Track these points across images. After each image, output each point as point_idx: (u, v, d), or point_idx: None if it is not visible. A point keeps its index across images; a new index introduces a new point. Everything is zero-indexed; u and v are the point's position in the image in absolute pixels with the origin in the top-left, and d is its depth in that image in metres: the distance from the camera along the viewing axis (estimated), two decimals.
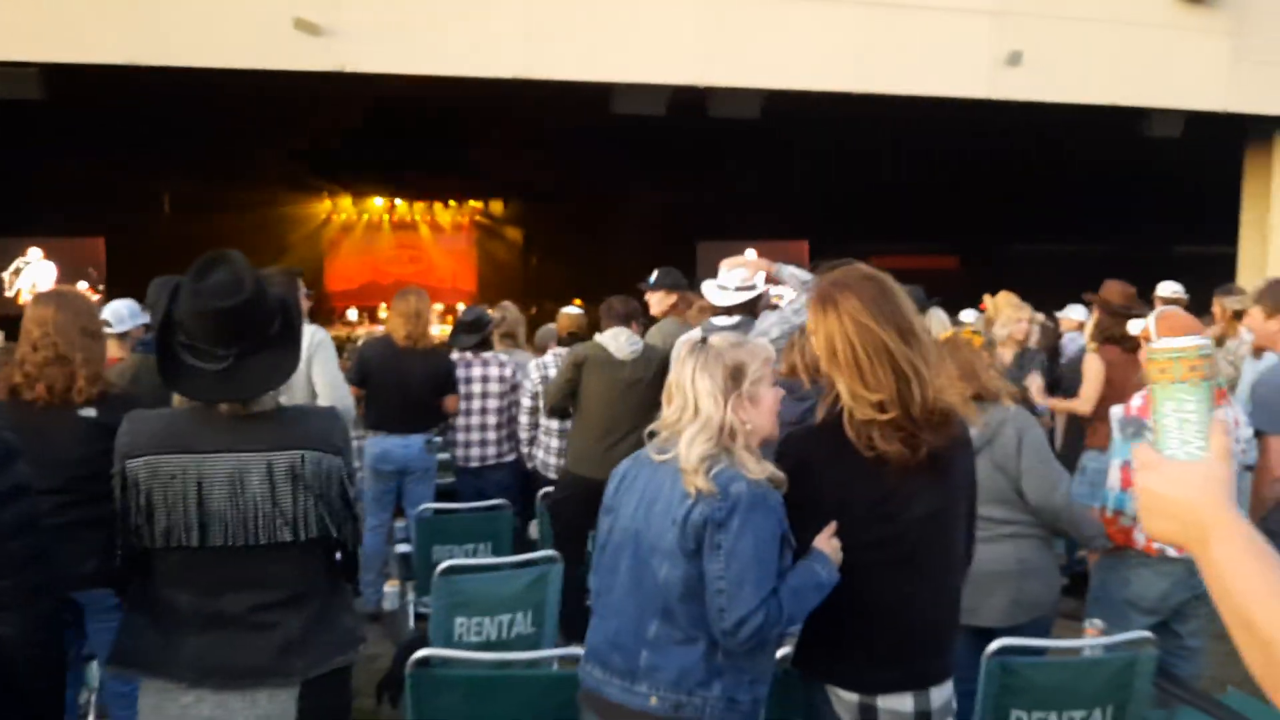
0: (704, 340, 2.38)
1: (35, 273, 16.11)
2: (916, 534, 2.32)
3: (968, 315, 7.16)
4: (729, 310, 4.50)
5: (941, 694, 2.35)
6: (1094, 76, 10.49)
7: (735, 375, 2.29)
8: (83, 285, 15.29)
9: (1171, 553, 3.65)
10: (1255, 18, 10.82)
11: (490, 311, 6.40)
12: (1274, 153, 11.73)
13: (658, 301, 5.80)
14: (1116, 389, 5.18)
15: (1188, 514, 1.09)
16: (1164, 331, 3.76)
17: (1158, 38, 10.63)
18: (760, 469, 2.26)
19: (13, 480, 1.92)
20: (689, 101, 10.05)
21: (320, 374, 4.53)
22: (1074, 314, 8.44)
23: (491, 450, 5.85)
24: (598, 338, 5.19)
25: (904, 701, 2.30)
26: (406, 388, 5.37)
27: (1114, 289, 5.59)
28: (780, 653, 2.84)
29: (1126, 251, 15.03)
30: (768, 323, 4.39)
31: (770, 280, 4.43)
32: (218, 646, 2.24)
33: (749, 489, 2.21)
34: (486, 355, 5.89)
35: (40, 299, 3.35)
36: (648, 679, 2.26)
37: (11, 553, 1.87)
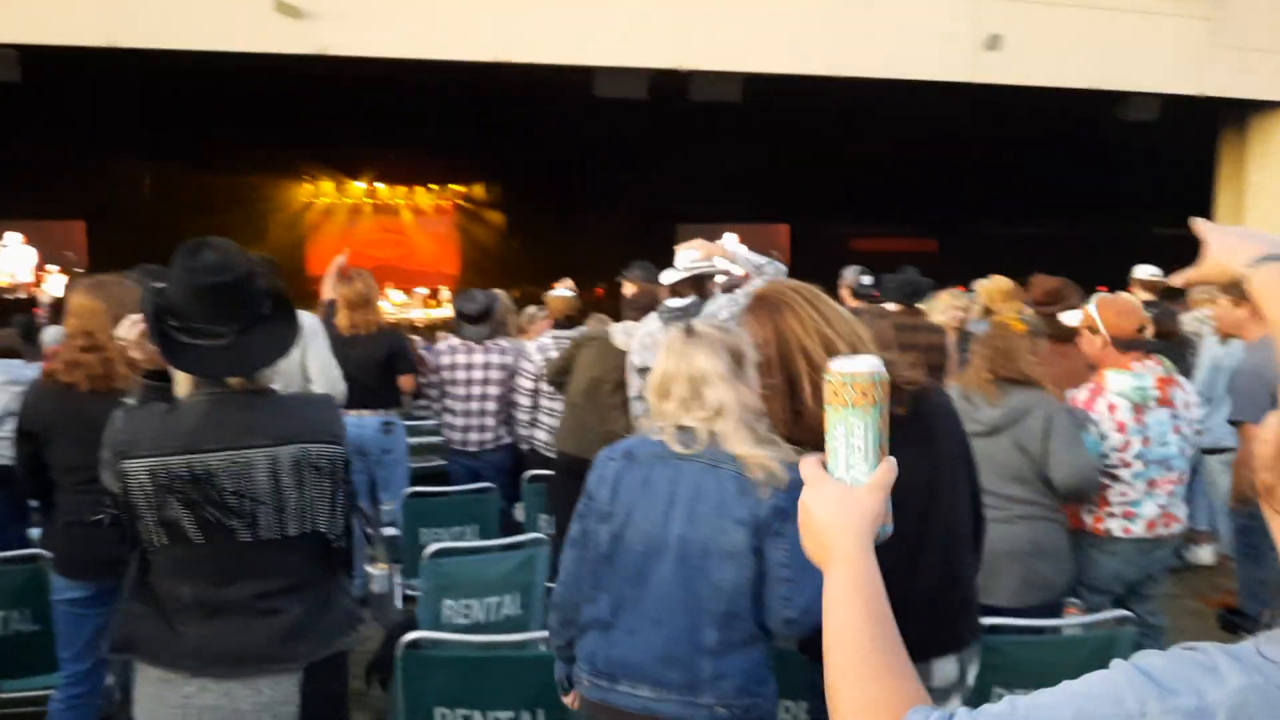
0: (690, 328, 2.31)
1: (14, 256, 15.96)
2: (905, 505, 2.34)
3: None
4: (678, 290, 4.58)
5: (945, 667, 2.34)
6: (1071, 60, 10.57)
7: (738, 359, 2.26)
8: (56, 270, 15.21)
9: (1118, 532, 3.76)
10: (1231, 2, 10.92)
11: (496, 292, 6.38)
12: (1249, 136, 11.87)
13: (628, 290, 5.87)
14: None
15: (824, 535, 1.15)
16: (1115, 316, 3.85)
17: (1134, 22, 10.72)
18: (791, 449, 2.23)
19: None
20: (670, 85, 10.07)
21: (313, 359, 4.56)
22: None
23: (489, 435, 5.90)
24: (609, 327, 5.29)
25: None
26: (357, 369, 5.30)
27: (1037, 284, 5.66)
28: None
29: (1105, 233, 15.18)
30: (717, 304, 4.48)
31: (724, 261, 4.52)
32: (221, 635, 2.25)
33: (798, 472, 2.19)
34: (488, 342, 5.91)
35: (79, 287, 3.41)
36: (712, 689, 2.15)
37: None
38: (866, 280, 6.76)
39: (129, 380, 3.16)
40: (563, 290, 6.75)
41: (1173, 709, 0.85)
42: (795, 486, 2.14)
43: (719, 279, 4.62)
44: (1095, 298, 4.04)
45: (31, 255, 16.14)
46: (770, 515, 2.14)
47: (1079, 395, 3.86)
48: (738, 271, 4.44)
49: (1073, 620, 3.42)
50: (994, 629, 3.05)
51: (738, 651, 2.17)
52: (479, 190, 20.73)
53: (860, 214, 16.07)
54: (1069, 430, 3.59)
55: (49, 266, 15.44)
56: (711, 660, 2.16)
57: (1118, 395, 3.77)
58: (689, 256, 4.51)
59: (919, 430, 2.31)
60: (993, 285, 6.51)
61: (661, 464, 2.24)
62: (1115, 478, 3.75)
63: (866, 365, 1.16)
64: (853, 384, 1.15)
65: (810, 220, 16.25)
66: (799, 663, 2.57)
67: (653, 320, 4.67)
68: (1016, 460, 3.55)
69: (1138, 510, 3.77)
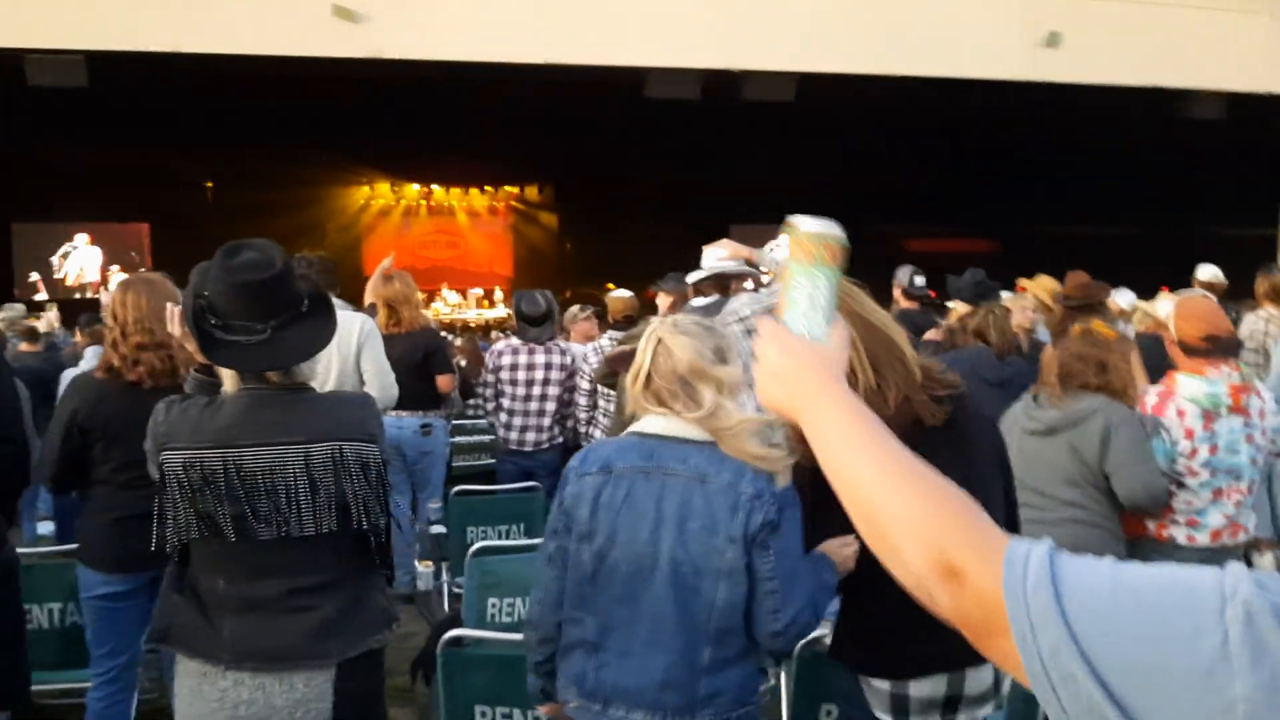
0: (676, 323, 2.25)
1: (82, 257, 16.42)
2: None
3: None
4: (701, 290, 4.56)
5: (981, 676, 2.29)
6: (1133, 57, 10.35)
7: (720, 358, 2.19)
8: (117, 269, 15.59)
9: (1181, 540, 3.66)
10: None
11: (546, 293, 6.40)
12: None
13: (663, 303, 5.88)
14: None
15: (796, 381, 1.09)
16: (1181, 320, 3.75)
17: (1198, 18, 10.47)
18: (783, 449, 2.18)
19: None
20: (723, 85, 10.04)
21: (368, 361, 4.61)
22: (1120, 299, 8.35)
23: (545, 435, 5.94)
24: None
25: (937, 685, 2.25)
26: (394, 369, 5.35)
27: (1069, 281, 5.54)
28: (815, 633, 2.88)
29: (1165, 234, 14.86)
30: (739, 302, 4.47)
31: (750, 264, 4.51)
32: (254, 630, 2.27)
33: (785, 485, 2.16)
34: (549, 343, 5.94)
35: (129, 285, 3.39)
36: (709, 707, 2.11)
37: None
38: (920, 281, 6.68)
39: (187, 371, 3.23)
40: (621, 291, 6.75)
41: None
42: (784, 499, 2.09)
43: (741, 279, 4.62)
44: (1174, 296, 3.93)
45: (97, 256, 16.58)
46: (760, 529, 2.09)
47: (1149, 399, 3.76)
48: (762, 272, 4.45)
49: None
50: None
51: (732, 666, 2.14)
52: (532, 192, 20.86)
53: (915, 214, 15.90)
54: (1135, 442, 3.48)
55: (114, 267, 15.86)
56: (707, 679, 2.12)
57: (1188, 400, 3.66)
58: (715, 256, 4.51)
59: (954, 436, 2.27)
60: (1039, 285, 6.39)
61: (644, 479, 2.15)
62: (1181, 485, 3.65)
63: (837, 228, 1.17)
64: (823, 243, 1.16)
65: (864, 221, 16.08)
66: (828, 665, 2.54)
67: (680, 314, 4.66)
68: (1069, 463, 3.48)
69: (1202, 519, 3.66)
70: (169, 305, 2.72)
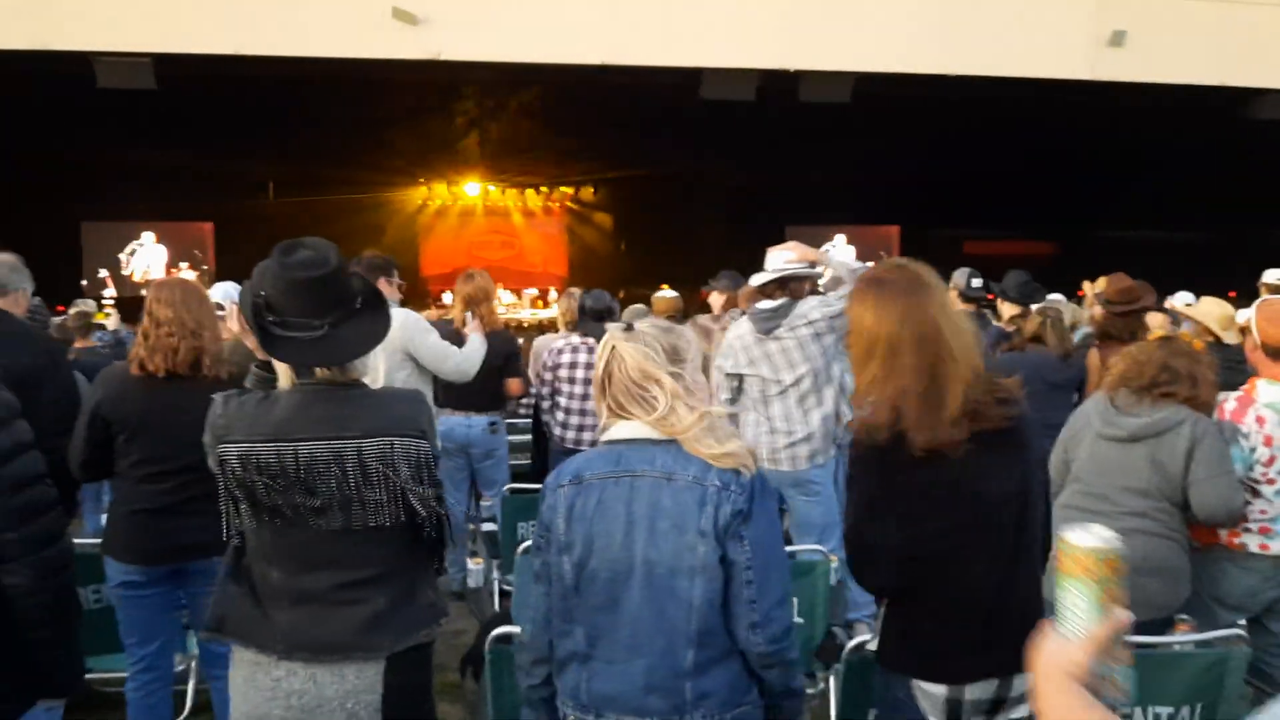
0: (629, 326, 2.23)
1: (148, 255, 16.82)
2: (996, 517, 2.26)
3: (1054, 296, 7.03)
4: (767, 292, 4.54)
5: (1023, 681, 2.25)
6: (1198, 56, 10.13)
7: (675, 359, 2.17)
8: (184, 267, 15.93)
9: (1254, 548, 3.57)
10: None
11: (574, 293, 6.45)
12: None
13: (715, 301, 5.86)
14: None
15: (1036, 686, 1.24)
16: (1265, 322, 3.65)
17: (1265, 15, 10.20)
18: (743, 447, 2.18)
19: (15, 438, 2.06)
20: (779, 85, 10.00)
21: (424, 350, 4.64)
22: (1180, 302, 8.20)
23: (601, 434, 5.95)
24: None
25: (988, 688, 2.24)
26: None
27: (1112, 283, 5.42)
28: (853, 641, 2.85)
29: (1229, 238, 14.52)
30: (808, 305, 4.46)
31: (817, 266, 4.51)
32: (307, 621, 2.31)
33: (758, 473, 2.15)
34: None
35: (162, 285, 3.47)
36: (699, 709, 2.10)
37: (16, 506, 2.01)
38: (976, 283, 6.60)
39: (212, 371, 3.27)
40: (666, 292, 6.76)
41: None
42: (754, 488, 2.08)
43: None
44: (1261, 300, 3.82)
45: (163, 254, 16.97)
46: (730, 519, 2.07)
47: (1227, 405, 3.68)
48: (824, 275, 4.45)
49: (1183, 637, 3.26)
50: None
51: (717, 666, 2.11)
52: (587, 192, 20.93)
53: (974, 216, 15.69)
54: (1217, 456, 3.40)
55: (183, 264, 16.24)
56: (692, 681, 2.10)
57: (1267, 407, 3.57)
58: (782, 258, 4.50)
59: (1015, 439, 2.26)
60: (1103, 283, 6.29)
61: (613, 484, 2.14)
62: (1256, 493, 3.57)
63: (1091, 540, 1.24)
64: (1095, 556, 1.23)
65: (922, 222, 15.96)
66: (867, 671, 2.51)
67: (742, 324, 4.64)
68: (1147, 474, 3.38)
69: (1275, 527, 3.58)
70: (228, 303, 2.78)
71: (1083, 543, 1.23)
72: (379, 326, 2.42)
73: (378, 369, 4.49)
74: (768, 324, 4.50)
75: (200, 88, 10.96)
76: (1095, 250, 14.45)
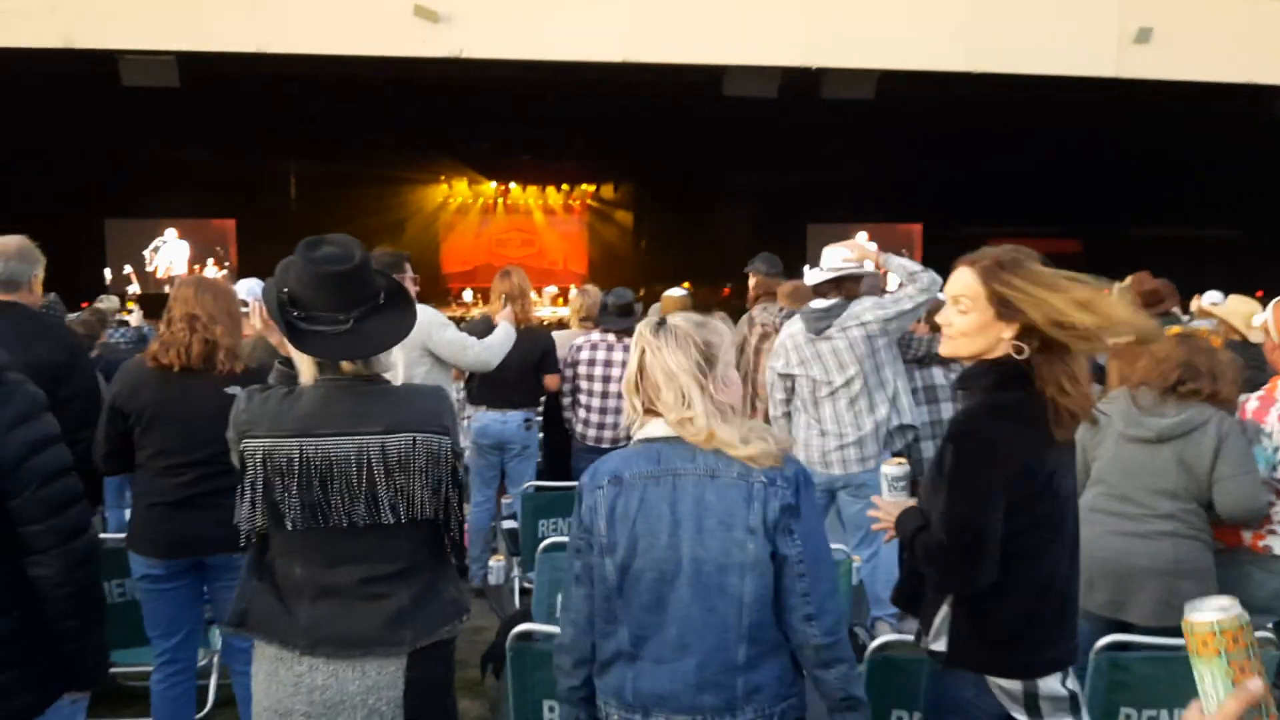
0: (662, 321, 2.21)
1: (171, 251, 16.95)
2: (1067, 510, 2.30)
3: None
4: (822, 291, 4.50)
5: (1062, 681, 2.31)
6: (1225, 53, 10.02)
7: (708, 358, 2.15)
8: (210, 263, 16.05)
9: (1279, 550, 3.53)
10: None
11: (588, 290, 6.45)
12: None
13: (751, 283, 5.84)
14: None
15: None
16: (1275, 318, 3.62)
17: None
18: (781, 438, 2.18)
19: (44, 430, 2.09)
20: (801, 83, 9.96)
21: (441, 344, 4.65)
22: (1209, 301, 8.10)
23: (623, 432, 5.94)
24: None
25: (1057, 681, 2.26)
26: (505, 365, 5.42)
27: (1136, 284, 5.35)
28: (877, 641, 2.83)
29: (1257, 236, 14.36)
30: (862, 306, 4.40)
31: (876, 267, 4.44)
32: (330, 616, 2.31)
33: (797, 464, 2.14)
34: (628, 340, 5.95)
35: (184, 282, 3.52)
36: (751, 703, 2.10)
37: (45, 498, 2.03)
38: None
39: (226, 365, 3.28)
40: (676, 290, 6.73)
41: None
42: (799, 482, 2.07)
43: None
44: (1274, 301, 3.78)
45: (186, 250, 17.10)
46: (780, 515, 2.07)
47: (1249, 405, 3.63)
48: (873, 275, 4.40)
49: None
50: (1125, 646, 2.90)
51: (767, 660, 2.11)
52: (608, 190, 20.95)
53: (997, 214, 15.58)
54: (1242, 454, 3.36)
55: (209, 260, 16.39)
56: (744, 676, 2.10)
57: None
58: (839, 255, 4.44)
59: (1072, 446, 2.32)
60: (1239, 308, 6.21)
61: (654, 483, 2.13)
62: (1279, 494, 3.53)
63: (1210, 615, 1.22)
64: (1198, 635, 1.23)
65: (944, 220, 15.87)
66: (909, 669, 2.49)
67: (795, 323, 4.60)
68: (1175, 475, 3.34)
69: None
70: (251, 300, 2.79)
71: (1203, 619, 1.21)
72: (405, 320, 2.43)
73: (397, 365, 4.50)
74: (819, 323, 4.45)
75: (223, 86, 11.02)
76: (1121, 248, 14.33)
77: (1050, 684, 2.26)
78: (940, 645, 2.33)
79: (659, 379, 2.14)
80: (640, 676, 2.15)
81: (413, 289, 5.10)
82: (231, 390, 2.76)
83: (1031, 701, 2.25)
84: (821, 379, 4.46)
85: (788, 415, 4.65)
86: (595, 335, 5.92)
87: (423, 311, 4.83)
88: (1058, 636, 2.30)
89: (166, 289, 15.36)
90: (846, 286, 4.47)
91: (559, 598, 3.78)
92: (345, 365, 2.35)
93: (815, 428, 4.51)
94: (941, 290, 3.89)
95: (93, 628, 2.19)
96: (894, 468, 2.56)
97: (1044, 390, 2.23)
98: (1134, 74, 10.13)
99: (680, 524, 2.10)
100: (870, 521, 4.53)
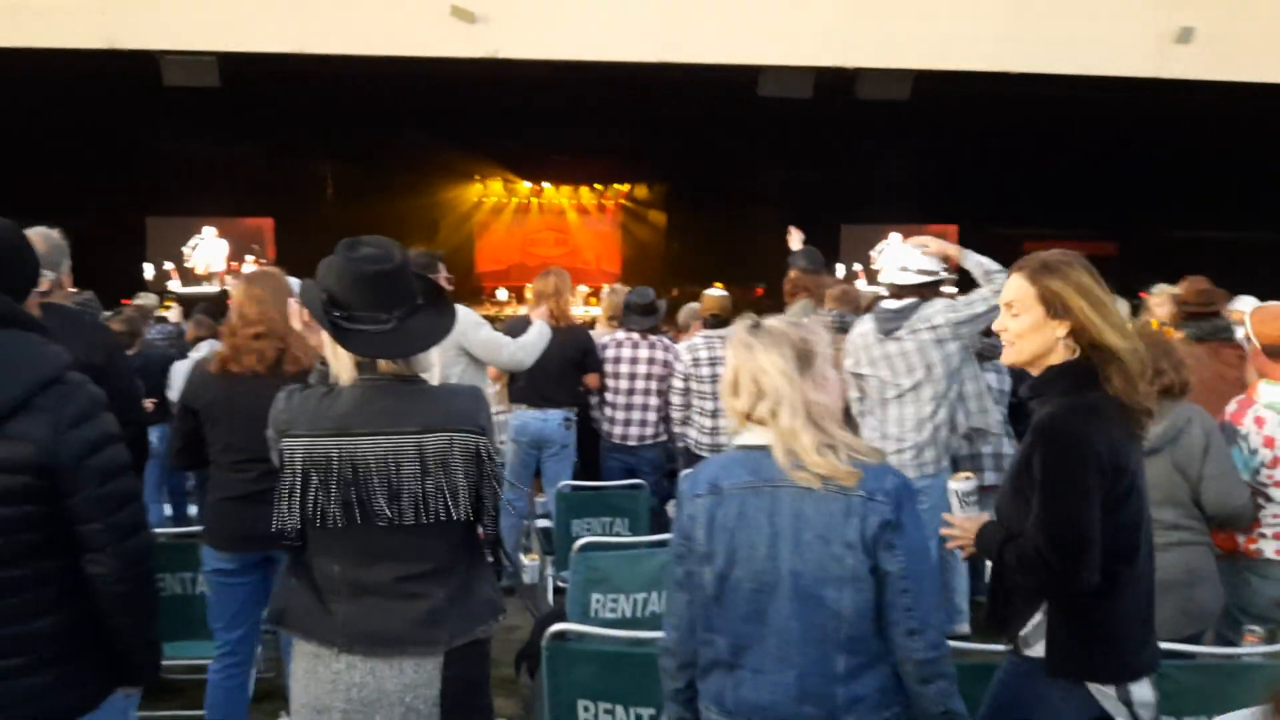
0: (757, 322, 2.21)
1: (209, 249, 17.15)
2: (1145, 508, 2.32)
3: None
4: (894, 291, 4.44)
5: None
6: (1268, 54, 9.87)
7: (804, 356, 2.14)
8: (250, 260, 16.23)
9: (1270, 554, 3.52)
10: None
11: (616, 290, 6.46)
12: None
13: (789, 278, 5.84)
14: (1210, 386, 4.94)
15: None
16: (1259, 324, 3.63)
17: None
18: (874, 449, 2.17)
19: (102, 429, 2.10)
20: (836, 83, 9.92)
21: (476, 344, 4.68)
22: (1243, 305, 7.99)
23: (649, 430, 5.97)
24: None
25: (1149, 685, 2.28)
26: (546, 364, 5.45)
27: (1188, 286, 5.30)
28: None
29: None
30: (933, 308, 4.32)
31: (953, 267, 4.38)
32: (367, 614, 2.33)
33: (899, 477, 2.13)
34: (653, 338, 5.99)
35: (254, 279, 3.58)
36: (852, 713, 2.10)
37: (102, 497, 2.05)
38: None
39: (298, 365, 3.34)
40: (715, 290, 6.73)
41: None
42: (899, 496, 2.05)
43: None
44: (1254, 304, 3.80)
45: (224, 247, 17.29)
46: (879, 530, 2.05)
47: (1228, 407, 3.63)
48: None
49: (1253, 649, 3.19)
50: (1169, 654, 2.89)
51: (868, 672, 2.10)
52: (642, 190, 20.95)
53: (1033, 214, 15.44)
54: (1224, 452, 3.36)
55: (248, 257, 16.58)
56: (844, 687, 2.09)
57: (1267, 407, 3.53)
58: (916, 254, 4.36)
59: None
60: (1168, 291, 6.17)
61: (753, 495, 2.13)
62: (1268, 498, 3.51)
63: None
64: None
65: (980, 221, 15.75)
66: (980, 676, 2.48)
67: (866, 322, 4.55)
68: (1172, 481, 3.30)
69: None
70: (290, 301, 2.83)
71: None
72: (445, 320, 2.47)
73: (434, 365, 4.53)
74: (889, 324, 4.37)
75: (263, 86, 11.13)
76: (1159, 250, 14.15)
77: (1143, 689, 2.27)
78: (1036, 652, 2.33)
79: (749, 380, 2.14)
80: (740, 685, 2.15)
81: (448, 289, 5.14)
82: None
83: (1126, 703, 2.26)
84: (889, 380, 4.37)
85: (861, 415, 4.60)
86: (620, 334, 5.95)
87: (461, 308, 4.88)
88: (1150, 636, 2.32)
89: (205, 285, 15.56)
90: (924, 290, 4.40)
91: (592, 597, 3.81)
92: (384, 365, 2.37)
93: (878, 430, 4.44)
94: None
95: (146, 625, 2.23)
96: (963, 483, 2.54)
97: (1114, 389, 2.25)
98: (1175, 74, 10.00)
99: (779, 536, 2.10)
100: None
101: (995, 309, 4.39)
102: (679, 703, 2.31)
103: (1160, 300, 6.04)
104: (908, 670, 2.09)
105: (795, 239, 6.05)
